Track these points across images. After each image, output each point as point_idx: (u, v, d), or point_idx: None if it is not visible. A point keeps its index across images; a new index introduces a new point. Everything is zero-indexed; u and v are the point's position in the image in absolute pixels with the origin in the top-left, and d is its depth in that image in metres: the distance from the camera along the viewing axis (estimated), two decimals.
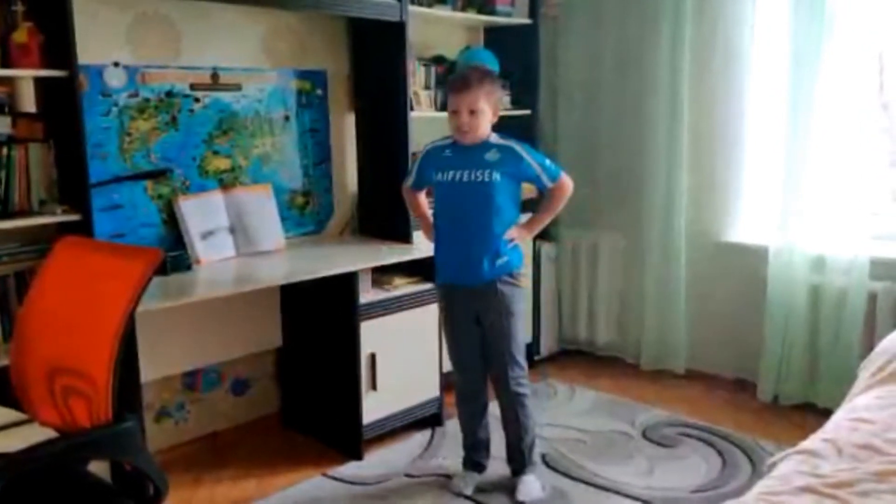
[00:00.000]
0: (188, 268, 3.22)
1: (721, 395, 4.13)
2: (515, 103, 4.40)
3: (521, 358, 3.07)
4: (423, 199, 3.25)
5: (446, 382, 3.60)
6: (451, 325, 3.13)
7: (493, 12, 4.19)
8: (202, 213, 3.38)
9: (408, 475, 3.29)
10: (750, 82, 4.05)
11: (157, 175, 3.32)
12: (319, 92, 3.84)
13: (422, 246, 3.74)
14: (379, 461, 3.41)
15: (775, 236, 3.91)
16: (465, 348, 3.10)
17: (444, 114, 4.05)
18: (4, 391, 2.17)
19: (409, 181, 3.19)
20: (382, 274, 3.55)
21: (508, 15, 4.27)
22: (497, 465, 3.25)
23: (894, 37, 3.71)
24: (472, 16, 4.15)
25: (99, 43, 3.07)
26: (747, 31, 4.01)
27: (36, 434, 1.98)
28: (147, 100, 3.25)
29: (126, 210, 3.24)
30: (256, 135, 3.62)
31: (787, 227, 3.85)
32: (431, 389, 3.70)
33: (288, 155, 3.75)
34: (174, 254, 3.17)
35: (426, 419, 3.70)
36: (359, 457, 3.42)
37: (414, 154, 3.80)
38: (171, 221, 3.35)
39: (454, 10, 4.06)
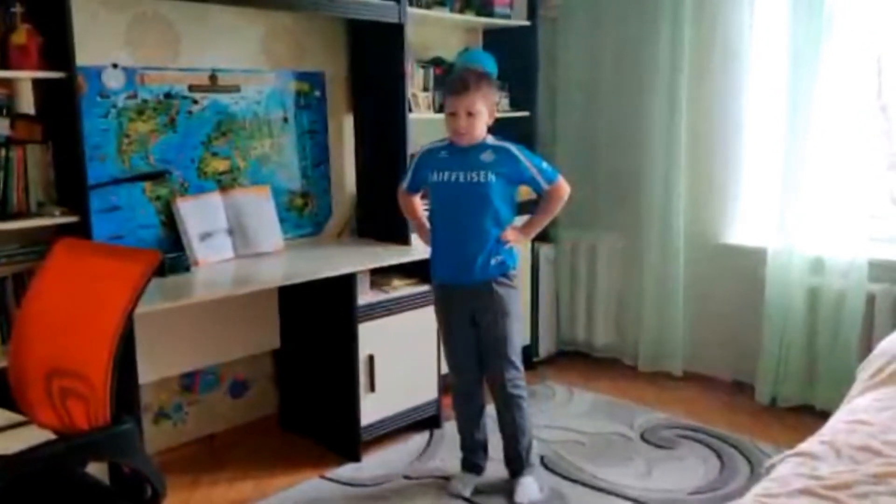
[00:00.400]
0: (186, 269, 3.22)
1: (719, 396, 4.14)
2: (514, 105, 4.40)
3: (518, 360, 3.07)
4: (419, 202, 3.24)
5: (444, 384, 3.60)
6: (447, 327, 3.13)
7: (491, 14, 4.19)
8: (201, 215, 3.38)
9: (406, 477, 3.29)
10: (749, 83, 4.06)
11: (156, 176, 3.31)
12: (318, 93, 3.84)
13: (420, 247, 3.73)
14: (377, 463, 3.41)
15: (774, 238, 3.91)
16: (460, 350, 3.10)
17: (443, 115, 4.08)
18: (2, 393, 2.17)
19: (405, 183, 3.19)
20: (381, 275, 3.55)
21: (507, 17, 4.27)
22: (495, 467, 3.25)
23: (893, 39, 3.71)
24: (470, 17, 4.15)
25: (97, 44, 3.07)
26: (746, 32, 4.02)
27: (34, 436, 1.98)
28: (145, 101, 3.25)
29: (124, 212, 3.24)
30: (255, 136, 3.62)
31: (785, 229, 3.85)
32: (430, 391, 3.70)
33: (286, 156, 3.75)
34: (172, 255, 3.17)
35: (424, 421, 3.70)
36: (357, 458, 3.41)
37: (412, 155, 3.81)
38: (170, 223, 3.35)
39: (452, 11, 4.05)
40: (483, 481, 3.21)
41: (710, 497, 3.08)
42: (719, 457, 3.42)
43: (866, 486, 1.88)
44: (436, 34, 4.26)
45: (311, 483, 3.25)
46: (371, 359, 3.41)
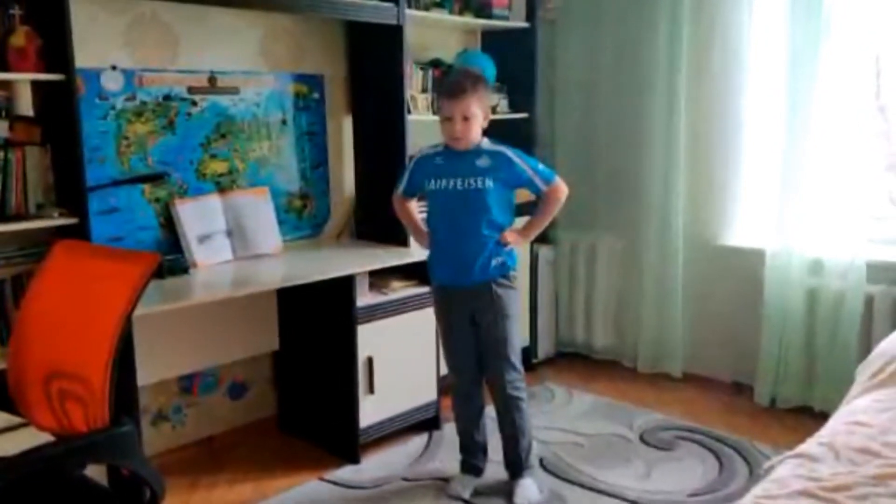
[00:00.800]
0: (185, 271, 3.22)
1: (718, 398, 4.14)
2: (513, 106, 4.41)
3: (517, 361, 3.07)
4: (415, 206, 3.24)
5: (443, 386, 3.59)
6: (447, 327, 3.13)
7: (490, 16, 4.19)
8: (199, 217, 3.38)
9: (405, 479, 3.29)
10: (747, 84, 4.06)
11: (155, 178, 3.31)
12: (317, 95, 3.84)
13: (419, 249, 3.73)
14: (376, 465, 3.40)
15: (772, 239, 3.91)
16: (460, 350, 3.10)
17: None
18: (1, 394, 2.17)
19: (400, 189, 3.17)
20: (379, 277, 3.55)
21: (505, 18, 4.27)
22: (494, 469, 3.25)
23: (891, 39, 3.71)
24: (469, 19, 4.15)
25: (96, 46, 3.07)
26: (745, 32, 4.02)
27: (32, 438, 1.98)
28: (144, 103, 3.25)
29: (123, 213, 3.24)
30: (254, 138, 3.62)
31: (784, 230, 3.86)
32: (429, 393, 3.70)
33: (285, 158, 3.75)
34: (171, 257, 3.17)
35: (423, 423, 3.70)
36: (356, 460, 3.41)
37: (412, 157, 3.81)
38: (169, 225, 3.35)
39: (451, 13, 4.06)
40: (482, 483, 3.21)
41: (709, 499, 3.08)
42: (718, 458, 3.42)
43: (865, 488, 1.88)
44: (434, 36, 4.26)
45: (310, 485, 3.24)
46: (370, 360, 3.41)
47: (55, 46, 2.68)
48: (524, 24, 4.36)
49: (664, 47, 4.18)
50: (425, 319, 3.58)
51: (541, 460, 3.38)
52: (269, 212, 3.62)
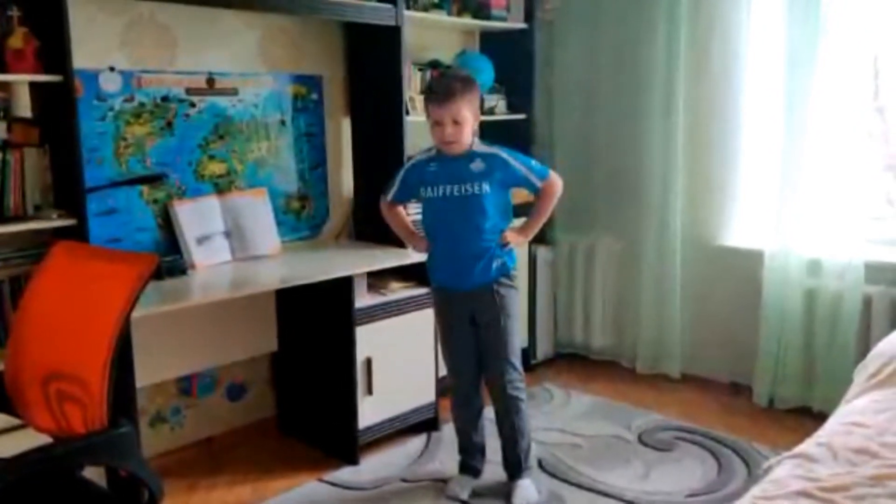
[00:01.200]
0: (183, 272, 3.21)
1: (717, 398, 4.14)
2: (511, 107, 4.41)
3: (517, 361, 3.07)
4: (403, 212, 3.21)
5: (442, 387, 3.59)
6: (446, 327, 3.12)
7: (488, 17, 4.19)
8: (198, 218, 3.38)
9: (404, 480, 3.29)
10: (746, 85, 4.06)
11: (153, 180, 3.31)
12: (315, 96, 3.84)
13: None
14: (375, 466, 3.40)
15: (771, 240, 3.92)
16: (460, 350, 3.10)
17: None
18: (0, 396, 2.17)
19: (390, 195, 3.11)
20: (378, 278, 3.55)
21: (503, 19, 4.28)
22: (493, 470, 3.25)
23: (890, 41, 3.72)
24: (467, 20, 4.15)
25: (94, 48, 3.07)
26: (743, 33, 4.02)
27: (31, 439, 1.98)
28: (143, 104, 3.25)
29: (121, 215, 3.23)
30: (252, 139, 3.62)
31: (782, 231, 3.86)
32: (427, 394, 3.70)
33: (284, 159, 3.75)
34: (169, 258, 3.17)
35: (422, 424, 3.70)
36: (355, 462, 3.41)
37: (410, 159, 3.81)
38: (167, 226, 3.35)
39: (449, 14, 4.06)
40: (481, 484, 3.21)
41: (708, 499, 3.08)
42: (717, 459, 3.42)
43: (863, 489, 1.88)
44: (433, 37, 4.26)
45: (309, 486, 3.24)
46: (369, 361, 3.41)
47: (53, 47, 2.67)
48: (522, 25, 4.36)
49: (662, 48, 4.18)
50: (424, 320, 3.59)
51: (539, 461, 3.38)
52: (268, 213, 3.62)
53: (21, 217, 2.73)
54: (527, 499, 3.07)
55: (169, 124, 3.34)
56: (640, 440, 3.63)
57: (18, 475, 1.78)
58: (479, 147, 2.94)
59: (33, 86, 2.84)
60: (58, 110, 2.74)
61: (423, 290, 3.57)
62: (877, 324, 3.62)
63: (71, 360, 1.96)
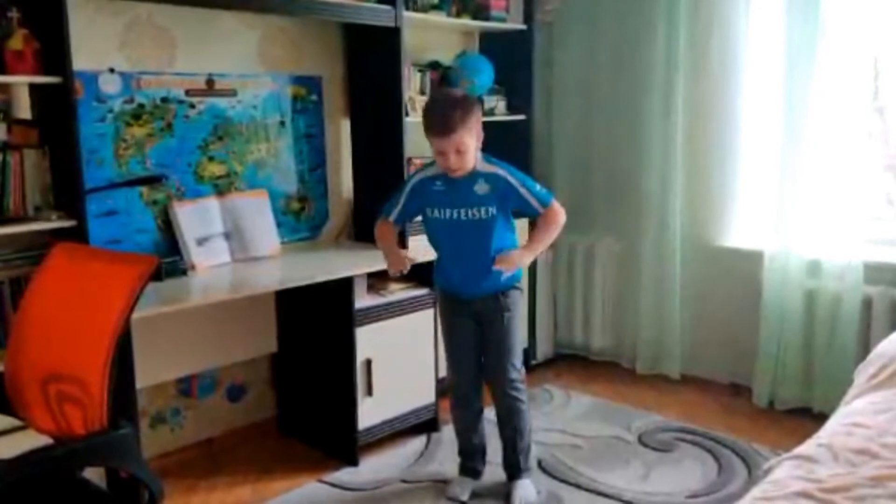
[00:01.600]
0: (183, 273, 3.22)
1: (717, 399, 4.14)
2: (511, 108, 4.41)
3: (518, 362, 3.07)
4: (394, 229, 3.11)
5: (442, 388, 3.59)
6: (449, 327, 3.12)
7: (487, 18, 4.19)
8: (197, 219, 3.38)
9: (404, 481, 3.29)
10: (745, 86, 4.06)
11: (153, 181, 3.31)
12: (314, 97, 3.84)
13: (418, 250, 3.73)
14: (375, 467, 3.40)
15: (770, 240, 3.92)
16: (462, 350, 3.09)
17: None
18: (0, 397, 2.17)
19: (393, 216, 3.03)
20: (378, 279, 3.55)
21: (503, 20, 4.27)
22: (492, 471, 3.25)
23: (889, 41, 3.72)
24: (466, 21, 4.15)
25: (94, 49, 3.07)
26: (742, 34, 4.02)
27: (31, 440, 1.98)
28: (142, 106, 3.25)
29: (121, 216, 3.23)
30: (252, 140, 3.62)
31: (782, 231, 3.86)
32: (427, 395, 3.70)
33: (283, 160, 3.75)
34: (169, 259, 3.17)
35: (422, 425, 3.70)
36: (354, 462, 3.41)
37: (410, 160, 3.82)
38: (167, 227, 3.35)
39: (449, 15, 4.06)
40: (480, 485, 3.21)
41: (708, 500, 3.08)
42: (717, 460, 3.42)
43: (864, 489, 1.88)
44: (432, 38, 4.26)
45: (308, 487, 3.24)
46: (368, 362, 3.41)
47: (53, 49, 2.68)
48: (522, 26, 4.36)
49: (661, 49, 4.18)
50: (424, 321, 3.59)
51: (539, 462, 3.38)
52: (268, 214, 3.62)
53: (21, 218, 2.73)
54: (526, 499, 3.07)
55: (168, 125, 3.34)
56: (640, 441, 3.63)
57: (19, 476, 1.78)
58: (482, 166, 2.89)
59: (33, 87, 2.84)
60: (57, 112, 2.75)
61: (422, 291, 3.58)
62: (877, 324, 3.63)
63: (71, 361, 1.96)
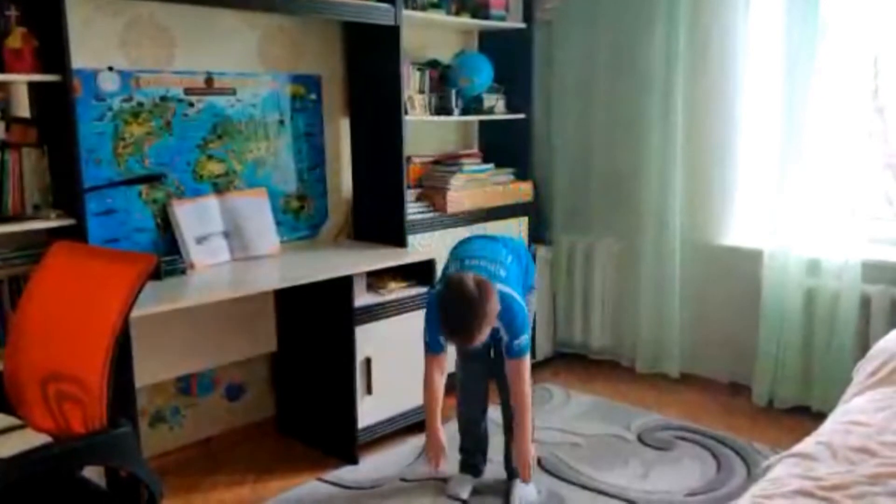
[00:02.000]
0: (182, 272, 3.21)
1: (716, 398, 4.14)
2: (510, 107, 4.41)
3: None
4: (443, 377, 3.01)
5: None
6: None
7: (487, 16, 4.19)
8: (196, 218, 3.38)
9: (403, 479, 3.29)
10: (744, 85, 4.05)
11: (152, 180, 3.31)
12: (314, 96, 3.84)
13: (418, 248, 3.74)
14: (374, 465, 3.40)
15: (770, 239, 3.92)
16: (472, 355, 3.09)
17: (438, 118, 4.10)
18: None
19: (438, 347, 2.94)
20: (377, 278, 3.55)
21: (502, 19, 4.27)
22: (493, 469, 3.25)
23: (889, 40, 3.72)
24: (466, 20, 4.15)
25: (93, 48, 3.07)
26: (741, 33, 4.01)
27: (30, 439, 1.98)
28: (141, 104, 3.25)
29: (120, 215, 3.23)
30: (251, 139, 3.62)
31: (781, 231, 3.86)
32: None
33: (282, 159, 3.75)
34: (168, 258, 3.17)
35: (422, 423, 3.69)
36: (354, 461, 3.41)
37: (409, 158, 3.82)
38: (166, 226, 3.34)
39: (448, 14, 4.06)
40: (480, 483, 3.21)
41: (708, 498, 3.08)
42: (716, 458, 3.42)
43: (863, 487, 1.89)
44: (432, 36, 4.26)
45: (308, 486, 3.24)
46: (368, 361, 3.41)
47: (52, 47, 2.67)
48: (521, 25, 4.36)
49: (661, 47, 4.18)
50: (423, 320, 3.58)
51: (539, 460, 3.37)
52: (267, 213, 3.62)
53: (20, 217, 2.73)
54: (526, 498, 3.07)
55: (168, 124, 3.34)
56: (640, 440, 3.63)
57: (18, 475, 1.78)
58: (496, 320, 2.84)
59: (32, 86, 2.84)
60: (56, 110, 2.74)
61: (422, 290, 3.57)
62: (876, 323, 3.63)
63: (70, 360, 1.96)
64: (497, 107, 4.34)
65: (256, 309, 3.58)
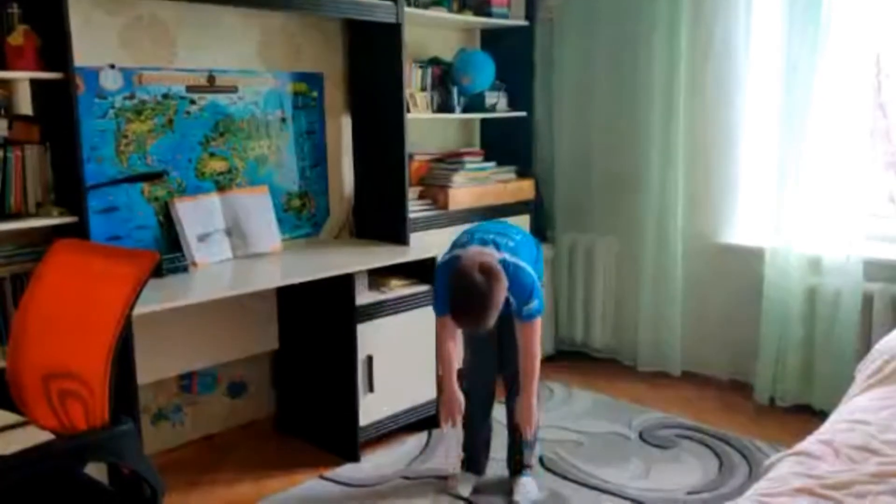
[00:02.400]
0: (184, 270, 3.22)
1: (717, 396, 4.14)
2: (512, 105, 4.41)
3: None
4: (455, 339, 3.02)
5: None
6: (471, 336, 3.11)
7: (489, 14, 4.19)
8: (198, 216, 3.38)
9: (405, 477, 3.29)
10: (746, 83, 4.05)
11: (154, 177, 3.31)
12: (315, 94, 3.84)
13: (419, 248, 3.74)
14: (376, 463, 3.41)
15: (771, 238, 3.91)
16: (482, 346, 3.09)
17: (440, 116, 4.10)
18: (1, 394, 2.17)
19: (438, 307, 2.94)
20: (379, 276, 3.55)
21: (504, 17, 4.27)
22: (495, 467, 3.25)
23: (892, 38, 3.71)
24: (468, 17, 4.15)
25: (95, 45, 3.07)
26: (743, 31, 4.01)
27: (33, 437, 1.98)
28: (143, 102, 3.25)
29: (122, 212, 3.23)
30: (253, 137, 3.62)
31: (783, 228, 3.85)
32: (428, 391, 3.70)
33: (284, 157, 3.75)
34: (170, 256, 3.17)
35: (423, 421, 3.70)
36: (356, 459, 3.41)
37: (411, 156, 3.82)
38: (168, 224, 3.34)
39: (450, 11, 4.05)
40: (482, 481, 3.21)
41: (709, 497, 3.08)
42: (718, 456, 3.42)
43: (865, 486, 1.89)
44: (433, 34, 4.26)
45: (309, 483, 3.24)
46: (370, 359, 3.41)
47: (54, 45, 2.67)
48: (523, 23, 4.35)
49: (663, 46, 4.17)
50: (425, 318, 3.58)
51: (540, 459, 3.37)
52: (269, 210, 3.62)
53: (22, 214, 2.73)
54: (529, 494, 3.08)
55: (170, 122, 3.34)
56: (641, 437, 3.63)
57: (21, 472, 1.78)
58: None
59: (34, 83, 2.84)
60: (58, 108, 2.74)
61: (423, 288, 3.57)
62: (878, 321, 3.62)
63: (72, 358, 1.96)
64: (499, 105, 4.34)
65: (258, 307, 3.58)
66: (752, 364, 4.03)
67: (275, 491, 3.18)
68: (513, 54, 4.36)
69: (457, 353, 3.02)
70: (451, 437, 3.29)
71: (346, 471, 3.34)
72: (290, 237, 3.77)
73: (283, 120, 3.73)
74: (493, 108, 4.30)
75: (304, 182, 3.84)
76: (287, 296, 3.61)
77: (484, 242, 2.88)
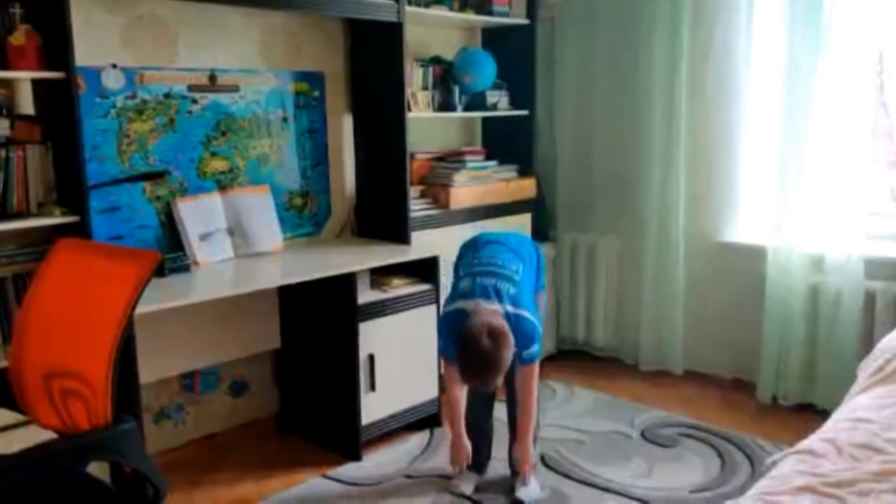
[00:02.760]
0: (186, 269, 3.22)
1: (719, 395, 4.13)
2: (513, 104, 4.41)
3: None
4: (461, 397, 3.00)
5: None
6: None
7: (490, 13, 4.19)
8: (200, 215, 3.38)
9: (407, 476, 3.29)
10: (747, 82, 4.04)
11: (155, 177, 3.31)
12: (317, 93, 3.84)
13: (419, 247, 3.74)
14: (378, 462, 3.41)
15: (773, 236, 3.91)
16: None
17: (442, 114, 4.10)
18: (4, 393, 2.17)
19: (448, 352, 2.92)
20: (380, 275, 3.55)
21: (506, 15, 4.27)
22: (496, 466, 3.25)
23: (894, 36, 3.70)
24: (469, 16, 4.14)
25: (96, 45, 3.07)
26: (744, 31, 4.00)
27: (35, 436, 1.98)
28: (145, 101, 3.25)
29: (124, 212, 3.23)
30: (254, 136, 3.62)
31: (785, 227, 3.85)
32: (430, 390, 3.70)
33: (286, 156, 3.75)
34: (172, 255, 3.18)
35: (425, 420, 3.70)
36: (358, 458, 3.41)
37: (413, 155, 3.81)
38: (170, 223, 3.35)
39: (451, 10, 4.05)
40: (484, 480, 3.21)
41: (711, 495, 3.08)
42: (720, 455, 3.42)
43: (868, 484, 1.88)
44: (434, 33, 4.25)
45: (311, 482, 3.25)
46: (371, 358, 3.41)
47: (55, 45, 2.68)
48: (524, 22, 4.35)
49: (664, 46, 4.16)
50: (427, 316, 3.59)
51: (542, 457, 3.38)
52: (270, 210, 3.62)
53: (24, 214, 2.73)
54: (530, 494, 3.07)
55: (171, 121, 3.34)
56: (643, 436, 3.63)
57: (23, 471, 1.78)
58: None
59: (35, 83, 2.84)
60: (60, 107, 2.74)
61: (425, 287, 3.58)
62: (880, 320, 3.62)
63: (74, 357, 1.96)
64: (500, 103, 4.34)
65: (260, 306, 3.58)
66: (755, 363, 4.02)
67: (276, 490, 3.19)
68: (514, 53, 4.36)
69: (463, 398, 3.01)
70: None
71: (348, 470, 3.34)
72: (292, 236, 3.77)
73: (285, 119, 3.73)
74: (494, 107, 4.30)
75: (305, 181, 3.84)
76: (289, 295, 3.61)
77: (486, 293, 2.84)
